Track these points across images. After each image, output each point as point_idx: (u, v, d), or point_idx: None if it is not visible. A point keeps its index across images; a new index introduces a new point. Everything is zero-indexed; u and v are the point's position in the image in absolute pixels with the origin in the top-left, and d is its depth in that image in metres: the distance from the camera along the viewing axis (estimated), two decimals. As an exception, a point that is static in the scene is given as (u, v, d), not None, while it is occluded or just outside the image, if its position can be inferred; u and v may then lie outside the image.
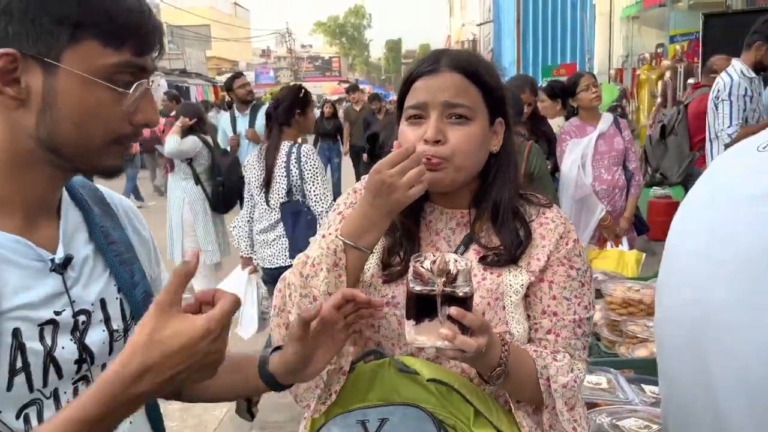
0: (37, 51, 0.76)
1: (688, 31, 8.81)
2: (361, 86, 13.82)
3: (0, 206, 0.81)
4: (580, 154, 3.95)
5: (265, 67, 40.52)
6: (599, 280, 2.89)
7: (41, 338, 0.80)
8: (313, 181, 3.39)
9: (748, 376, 0.79)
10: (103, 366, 0.88)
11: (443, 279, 0.92)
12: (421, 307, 0.94)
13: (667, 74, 8.52)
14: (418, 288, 0.94)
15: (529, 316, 1.16)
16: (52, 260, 0.83)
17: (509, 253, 1.14)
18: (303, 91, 3.69)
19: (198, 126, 4.85)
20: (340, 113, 10.93)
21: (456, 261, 0.94)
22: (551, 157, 4.00)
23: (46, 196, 0.86)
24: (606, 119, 4.05)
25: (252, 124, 5.54)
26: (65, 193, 0.91)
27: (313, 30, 70.76)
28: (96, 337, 0.87)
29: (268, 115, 3.67)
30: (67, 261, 0.85)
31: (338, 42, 69.37)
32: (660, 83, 8.84)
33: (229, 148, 5.45)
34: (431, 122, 1.11)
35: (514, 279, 1.14)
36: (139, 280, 0.96)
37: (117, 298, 0.92)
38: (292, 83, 8.52)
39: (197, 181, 4.88)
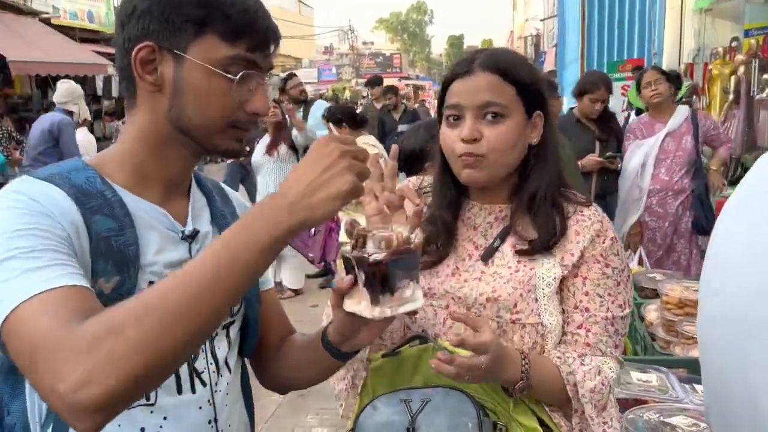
0: (170, 44, 0.90)
1: (765, 24, 8.38)
2: (423, 82, 13.26)
3: (146, 180, 0.96)
4: (643, 156, 3.85)
5: (328, 64, 41.00)
6: (657, 279, 2.84)
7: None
8: None
9: None
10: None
11: (353, 242, 0.90)
12: (348, 271, 0.94)
13: (741, 69, 8.14)
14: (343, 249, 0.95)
15: (564, 310, 1.18)
16: (183, 231, 0.98)
17: (543, 241, 1.17)
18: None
19: None
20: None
21: (375, 232, 0.90)
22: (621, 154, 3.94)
23: (181, 175, 1.00)
24: (679, 114, 3.89)
25: (305, 119, 5.77)
26: (193, 180, 1.06)
27: (375, 27, 71.03)
28: None
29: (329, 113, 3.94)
30: (195, 233, 0.99)
31: (400, 38, 69.37)
32: (733, 79, 8.46)
33: None
34: (466, 122, 1.15)
35: (547, 272, 1.17)
36: None
37: None
38: (353, 80, 8.52)
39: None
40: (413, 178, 1.37)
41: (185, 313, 0.71)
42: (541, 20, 25.61)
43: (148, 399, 0.92)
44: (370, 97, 8.66)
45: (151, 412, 0.93)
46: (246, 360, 1.13)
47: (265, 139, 5.25)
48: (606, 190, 3.98)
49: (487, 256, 1.21)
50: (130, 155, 0.97)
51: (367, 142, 4.44)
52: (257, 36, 0.92)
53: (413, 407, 1.07)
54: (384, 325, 1.00)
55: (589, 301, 1.17)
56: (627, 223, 3.92)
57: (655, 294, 2.63)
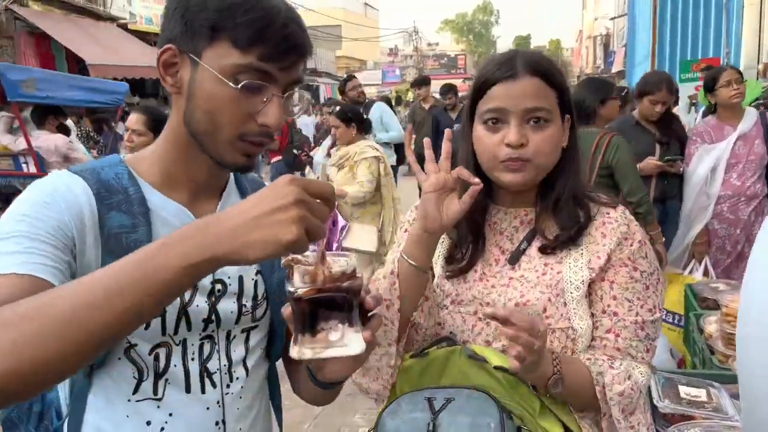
0: (188, 48, 0.89)
1: None
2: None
3: (174, 180, 0.97)
4: (713, 160, 3.66)
5: (392, 66, 41.24)
6: (719, 290, 2.71)
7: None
8: None
9: None
10: (228, 332, 0.99)
11: (287, 271, 0.81)
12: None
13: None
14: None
15: (592, 315, 1.16)
16: None
17: (567, 233, 1.16)
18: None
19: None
20: (402, 114, 8.52)
21: (303, 263, 0.80)
22: (682, 157, 3.78)
23: (208, 177, 0.99)
24: (749, 117, 3.69)
25: None
26: (232, 181, 1.06)
27: (441, 28, 70.83)
28: (227, 306, 0.99)
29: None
30: None
31: (465, 39, 68.93)
32: (817, 79, 7.94)
33: None
34: (512, 127, 1.13)
35: (574, 275, 1.15)
36: (278, 267, 1.05)
37: (253, 279, 1.04)
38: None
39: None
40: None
41: (64, 325, 0.65)
42: (611, 19, 24.85)
43: (155, 393, 0.94)
44: (416, 97, 8.12)
45: (158, 407, 0.94)
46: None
47: (329, 141, 5.32)
48: (666, 194, 3.82)
49: (514, 259, 1.20)
50: (159, 155, 0.98)
51: (371, 145, 4.41)
52: (271, 45, 0.87)
53: (436, 405, 1.07)
54: (354, 361, 0.88)
55: (617, 306, 1.15)
56: (693, 230, 3.75)
57: (717, 305, 2.51)
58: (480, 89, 1.18)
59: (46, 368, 0.64)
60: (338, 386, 1.01)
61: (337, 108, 4.26)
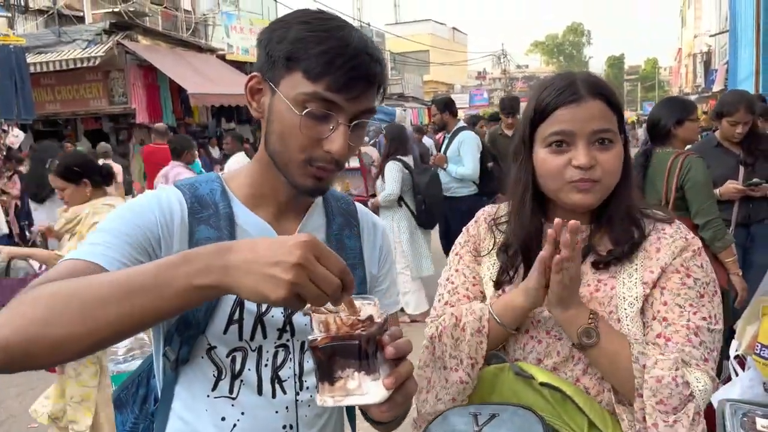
0: (269, 77, 0.97)
1: None
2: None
3: (261, 197, 1.05)
4: None
5: (479, 89, 41.12)
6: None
7: (258, 303, 0.98)
8: None
9: None
10: (303, 343, 1.04)
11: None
12: None
13: None
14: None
15: (644, 324, 1.14)
16: None
17: (620, 249, 1.16)
18: None
19: (398, 148, 5.23)
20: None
21: (321, 312, 0.81)
22: None
23: (292, 198, 1.05)
24: None
25: (447, 149, 5.70)
26: (319, 200, 1.12)
27: (530, 50, 70.10)
28: (302, 318, 1.03)
29: None
30: None
31: (555, 60, 67.77)
32: None
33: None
34: (581, 149, 1.14)
35: (628, 291, 1.13)
36: (356, 287, 1.07)
37: None
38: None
39: (400, 200, 5.25)
40: (488, 208, 1.38)
41: (82, 311, 0.74)
42: (712, 35, 23.64)
43: (231, 392, 1.01)
44: (501, 125, 6.72)
45: (232, 405, 1.01)
46: None
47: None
48: (751, 218, 3.57)
49: None
50: (250, 173, 1.06)
51: (111, 203, 3.05)
52: (338, 76, 0.91)
53: (480, 420, 1.08)
54: (388, 407, 0.83)
55: (667, 311, 1.12)
56: None
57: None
58: (542, 113, 1.18)
59: (61, 343, 0.74)
60: (392, 424, 1.03)
61: (56, 162, 3.14)
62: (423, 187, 5.27)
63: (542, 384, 1.10)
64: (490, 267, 1.27)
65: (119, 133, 13.11)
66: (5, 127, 9.05)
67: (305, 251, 0.72)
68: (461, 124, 5.95)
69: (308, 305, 0.77)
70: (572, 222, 1.05)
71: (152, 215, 0.97)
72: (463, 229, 1.36)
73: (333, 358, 0.78)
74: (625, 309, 1.13)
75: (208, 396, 1.01)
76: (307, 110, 0.93)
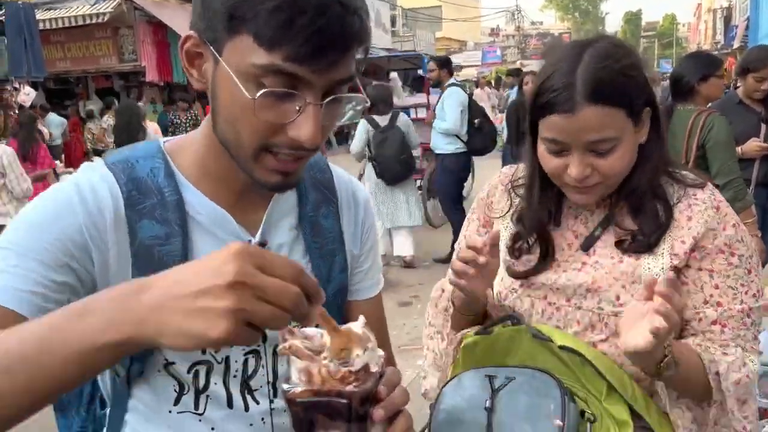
0: (208, 37, 0.73)
1: None
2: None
3: (215, 178, 0.83)
4: None
5: (492, 47, 40.30)
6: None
7: (197, 349, 0.75)
8: None
9: None
10: (275, 347, 0.83)
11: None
12: None
13: None
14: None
15: (693, 306, 1.11)
16: (250, 242, 0.84)
17: (647, 238, 1.11)
18: None
19: (373, 107, 5.33)
20: (486, 101, 6.67)
21: (304, 355, 0.63)
22: None
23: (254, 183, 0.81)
24: None
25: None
26: None
27: (545, 5, 68.29)
28: None
29: None
30: (261, 245, 0.84)
31: (570, 17, 66.12)
32: None
33: None
34: (575, 160, 1.07)
35: (654, 262, 1.11)
36: (336, 274, 0.93)
37: None
38: (518, 62, 7.90)
39: (370, 158, 5.53)
40: (506, 169, 1.34)
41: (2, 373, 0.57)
42: (734, -10, 22.94)
43: (197, 408, 0.85)
44: (524, 86, 6.07)
45: (200, 420, 0.86)
46: None
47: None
48: None
49: (588, 245, 1.17)
50: (198, 150, 0.84)
51: None
52: (300, 41, 0.67)
53: (496, 384, 1.08)
54: None
55: (720, 295, 1.09)
56: None
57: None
58: (540, 109, 1.08)
59: None
60: None
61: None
62: (374, 147, 5.45)
63: (561, 347, 1.09)
64: (503, 230, 1.25)
65: (130, 92, 13.03)
66: (16, 85, 9.02)
67: (241, 263, 0.54)
68: (452, 81, 5.96)
69: (281, 343, 0.62)
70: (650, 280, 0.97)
71: (71, 216, 0.75)
72: (486, 185, 1.34)
73: (314, 416, 0.62)
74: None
75: (170, 411, 0.85)
76: (263, 90, 0.69)
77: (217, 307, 0.54)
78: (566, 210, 1.22)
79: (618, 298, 1.11)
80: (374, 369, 0.63)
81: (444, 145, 5.71)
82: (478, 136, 5.65)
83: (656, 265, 1.10)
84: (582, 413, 1.07)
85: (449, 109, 5.59)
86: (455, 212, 5.73)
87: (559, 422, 1.01)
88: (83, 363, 0.57)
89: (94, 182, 0.79)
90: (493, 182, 1.33)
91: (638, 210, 1.13)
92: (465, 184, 6.26)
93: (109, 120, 8.97)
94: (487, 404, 1.06)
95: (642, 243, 1.11)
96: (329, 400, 0.61)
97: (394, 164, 5.41)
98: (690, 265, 1.11)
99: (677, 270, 1.11)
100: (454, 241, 5.52)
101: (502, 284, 1.23)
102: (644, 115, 1.11)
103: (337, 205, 0.96)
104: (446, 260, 5.63)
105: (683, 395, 1.10)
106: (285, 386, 0.62)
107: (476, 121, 5.64)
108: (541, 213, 1.19)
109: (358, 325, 0.65)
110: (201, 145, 0.84)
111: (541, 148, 1.13)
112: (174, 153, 0.85)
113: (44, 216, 0.76)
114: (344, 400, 0.61)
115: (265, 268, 0.56)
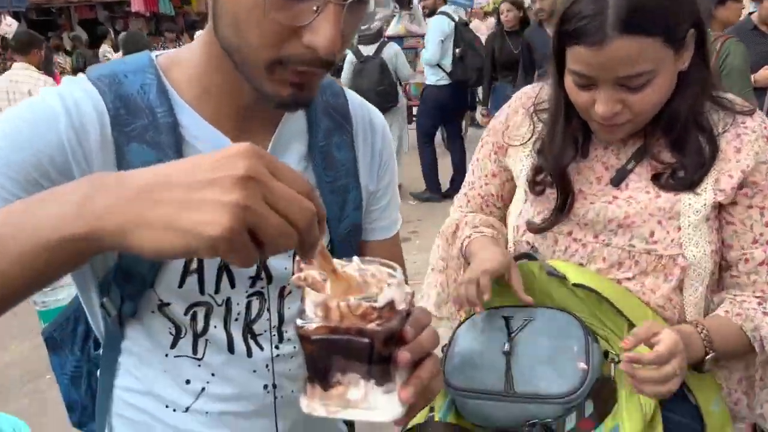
0: None
1: None
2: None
3: (213, 101, 0.74)
4: None
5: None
6: None
7: (183, 256, 0.71)
8: None
9: None
10: (282, 288, 0.82)
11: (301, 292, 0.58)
12: None
13: None
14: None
15: (731, 246, 1.04)
16: None
17: (689, 174, 1.01)
18: None
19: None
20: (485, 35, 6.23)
21: (323, 285, 0.56)
22: None
23: (260, 101, 0.71)
24: None
25: None
26: None
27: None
28: (279, 262, 0.80)
29: None
30: None
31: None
32: None
33: None
34: (602, 97, 0.96)
35: (696, 197, 1.01)
36: (349, 212, 0.86)
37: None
38: None
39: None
40: (528, 88, 1.21)
41: None
42: None
43: (195, 353, 0.80)
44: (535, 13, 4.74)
45: (198, 365, 0.81)
46: None
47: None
48: None
49: (619, 179, 1.07)
50: (197, 63, 0.74)
51: None
52: None
53: (513, 326, 1.02)
54: (400, 420, 0.62)
55: None
56: None
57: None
58: (567, 36, 0.96)
59: None
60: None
61: None
62: (352, 78, 5.30)
63: (575, 285, 1.02)
64: (523, 159, 1.15)
65: (115, 23, 12.57)
66: (-2, 16, 8.68)
67: (255, 160, 0.46)
68: (442, 8, 5.66)
69: (296, 274, 0.55)
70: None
71: (51, 132, 0.67)
72: (497, 113, 1.24)
73: (331, 356, 0.55)
74: (689, 216, 1.00)
75: (166, 355, 0.80)
76: None
77: (222, 200, 0.45)
78: (595, 139, 1.11)
79: (652, 234, 1.02)
80: (401, 307, 0.55)
81: (429, 76, 5.55)
82: (459, 66, 5.41)
83: (698, 201, 1.01)
84: (606, 353, 1.01)
85: (429, 38, 5.41)
86: (425, 148, 5.57)
87: (583, 365, 0.95)
88: (34, 261, 0.48)
89: (77, 97, 0.70)
90: (513, 105, 1.21)
91: (678, 142, 1.02)
92: (463, 120, 6.10)
93: (106, 52, 8.65)
94: (506, 348, 0.99)
95: (683, 180, 1.01)
96: (349, 338, 0.53)
97: (371, 95, 5.14)
98: (738, 202, 1.01)
99: (721, 206, 1.02)
100: (427, 175, 5.47)
101: (521, 219, 1.15)
102: (688, 38, 0.97)
103: (351, 134, 0.86)
104: (446, 195, 5.58)
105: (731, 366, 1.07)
106: (299, 321, 0.55)
107: (457, 50, 5.40)
108: (564, 151, 1.07)
109: (353, 267, 0.57)
110: (199, 57, 0.74)
111: (569, 79, 1.01)
112: (168, 67, 0.75)
113: (21, 129, 0.67)
114: (366, 340, 0.53)
115: (277, 174, 0.47)
